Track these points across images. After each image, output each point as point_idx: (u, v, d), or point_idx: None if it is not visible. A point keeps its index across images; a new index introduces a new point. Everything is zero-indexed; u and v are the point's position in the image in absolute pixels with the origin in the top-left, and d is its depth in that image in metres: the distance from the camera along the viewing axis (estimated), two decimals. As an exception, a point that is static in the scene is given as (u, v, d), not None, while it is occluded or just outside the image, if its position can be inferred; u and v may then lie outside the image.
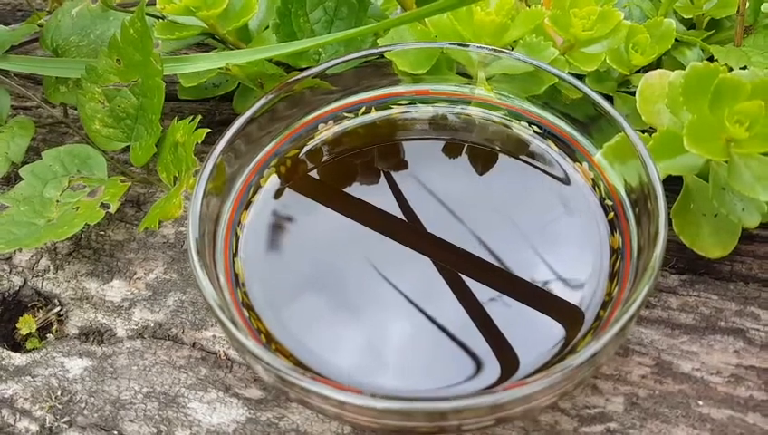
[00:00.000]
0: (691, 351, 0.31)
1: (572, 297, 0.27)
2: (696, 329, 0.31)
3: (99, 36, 0.42)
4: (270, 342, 0.26)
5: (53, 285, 0.37)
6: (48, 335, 0.35)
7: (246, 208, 0.31)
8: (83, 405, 0.32)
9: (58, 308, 0.36)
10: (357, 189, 0.33)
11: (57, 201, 0.37)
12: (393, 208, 0.32)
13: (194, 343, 0.33)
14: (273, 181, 0.32)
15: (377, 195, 0.32)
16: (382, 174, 0.33)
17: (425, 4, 0.42)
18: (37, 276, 0.38)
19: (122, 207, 0.40)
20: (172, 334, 0.34)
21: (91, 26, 0.42)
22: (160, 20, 0.41)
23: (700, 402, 0.29)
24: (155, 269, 0.36)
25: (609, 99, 0.38)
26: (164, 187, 0.36)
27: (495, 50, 0.32)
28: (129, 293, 0.36)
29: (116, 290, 0.36)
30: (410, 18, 0.33)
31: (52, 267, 0.38)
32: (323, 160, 0.34)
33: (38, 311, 0.37)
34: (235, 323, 0.24)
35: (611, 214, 0.30)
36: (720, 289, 0.33)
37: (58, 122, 0.46)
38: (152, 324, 0.34)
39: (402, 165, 0.33)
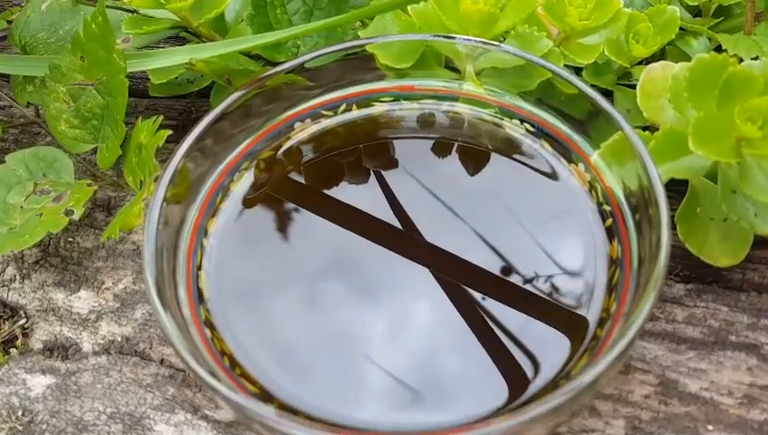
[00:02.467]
0: (699, 368, 0.28)
1: (566, 314, 0.25)
2: (705, 344, 0.29)
3: (68, 32, 0.39)
4: (234, 365, 0.24)
5: (20, 295, 0.35)
6: (12, 350, 0.33)
7: (213, 216, 0.29)
8: (44, 427, 0.30)
9: (24, 320, 0.34)
10: (336, 194, 0.30)
11: (21, 207, 0.34)
12: (374, 215, 0.29)
13: (162, 360, 0.31)
14: (243, 185, 0.30)
15: (358, 201, 0.30)
16: (364, 177, 0.31)
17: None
18: (3, 286, 0.36)
19: (92, 212, 0.37)
20: (139, 350, 0.32)
21: (60, 22, 0.40)
22: (131, 14, 0.39)
23: (710, 427, 0.27)
24: (123, 279, 0.34)
25: (609, 93, 0.35)
26: (133, 190, 0.34)
27: (484, 42, 0.30)
28: (96, 304, 0.34)
29: (83, 301, 0.34)
30: (393, 5, 0.31)
31: (18, 277, 0.36)
32: (300, 163, 0.31)
33: (3, 323, 0.35)
34: (191, 351, 0.21)
35: (609, 220, 0.27)
36: (730, 300, 0.30)
37: (30, 122, 0.44)
38: (119, 339, 0.32)
39: (385, 167, 0.31)
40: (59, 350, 0.33)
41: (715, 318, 0.30)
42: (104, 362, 0.31)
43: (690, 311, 0.30)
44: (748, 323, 0.29)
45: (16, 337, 0.34)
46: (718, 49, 0.37)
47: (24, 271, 0.36)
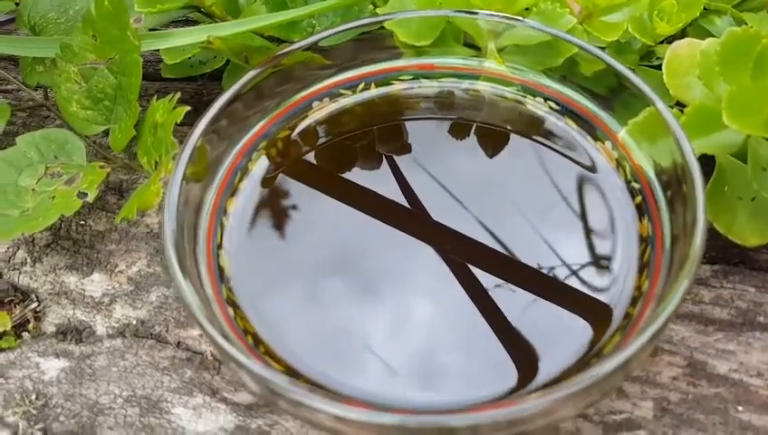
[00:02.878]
0: (727, 349, 0.28)
1: (597, 292, 0.24)
2: (733, 325, 0.28)
3: (78, 12, 0.39)
4: (258, 344, 0.23)
5: (31, 278, 0.34)
6: (24, 333, 0.33)
7: (233, 195, 0.28)
8: (59, 410, 0.29)
9: (35, 304, 0.34)
10: (355, 175, 0.30)
11: (33, 190, 0.34)
12: (395, 195, 0.29)
13: (178, 343, 0.31)
14: (262, 165, 0.29)
15: (378, 181, 0.29)
16: (383, 158, 0.30)
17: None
18: (14, 269, 0.35)
19: (104, 195, 0.37)
20: (155, 333, 0.31)
21: (69, 1, 0.39)
22: (143, -7, 0.38)
23: (740, 408, 0.26)
24: (137, 262, 0.34)
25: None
26: (147, 172, 0.33)
27: (507, 17, 0.29)
28: (109, 287, 0.33)
29: (96, 284, 0.33)
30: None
31: (29, 260, 0.35)
32: (318, 142, 0.31)
33: (15, 307, 0.34)
34: (214, 325, 0.21)
35: (639, 198, 0.26)
36: (757, 280, 0.30)
37: (38, 105, 0.43)
38: (134, 322, 0.32)
39: (405, 148, 0.30)
40: (72, 333, 0.32)
41: (743, 299, 0.29)
42: (119, 344, 0.31)
43: (717, 292, 0.30)
44: (776, 304, 0.29)
45: (28, 321, 0.33)
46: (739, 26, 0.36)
47: (36, 254, 0.35)
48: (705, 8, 0.34)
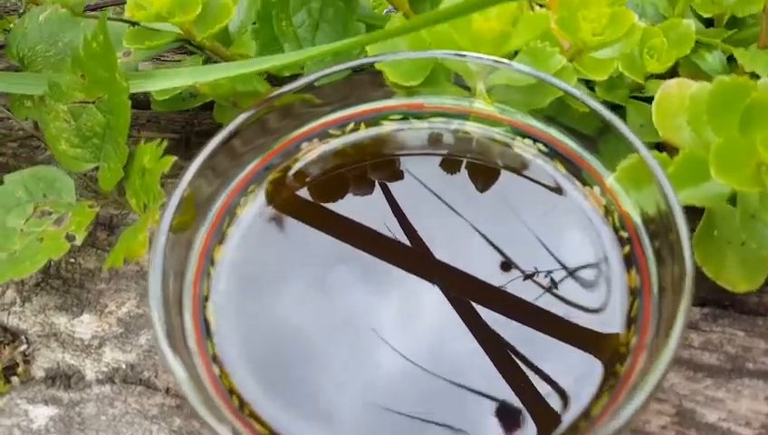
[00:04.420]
0: (716, 397, 0.28)
1: (583, 349, 0.24)
2: (722, 371, 0.28)
3: (67, 45, 0.39)
4: (243, 405, 0.23)
5: (20, 319, 0.34)
6: (13, 378, 0.33)
7: (220, 243, 0.28)
8: (49, 458, 0.29)
9: (25, 346, 0.34)
10: (347, 219, 0.29)
11: (21, 230, 0.34)
12: (389, 241, 0.28)
13: (167, 389, 0.31)
14: (250, 210, 0.29)
15: (370, 224, 0.29)
16: (375, 200, 0.30)
17: (418, 2, 0.39)
18: (3, 310, 0.35)
19: (93, 231, 0.37)
20: (144, 378, 0.31)
21: (59, 33, 0.39)
22: (133, 26, 0.38)
23: (728, 459, 0.26)
24: (127, 302, 0.34)
25: (622, 109, 0.35)
26: (137, 212, 0.33)
27: (495, 60, 0.29)
28: (99, 329, 0.33)
29: (86, 326, 0.33)
30: (404, 30, 0.30)
31: (18, 300, 0.35)
32: (308, 185, 0.30)
33: (4, 348, 0.34)
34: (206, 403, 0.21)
35: (627, 248, 0.26)
36: (747, 324, 0.29)
37: (29, 136, 0.43)
38: (123, 366, 0.32)
39: (397, 189, 0.30)
40: (61, 378, 0.32)
41: (732, 344, 0.29)
42: (108, 391, 0.31)
43: (707, 336, 0.29)
44: (765, 349, 0.29)
45: (17, 364, 0.33)
46: (731, 59, 0.36)
47: (25, 294, 0.35)
48: (696, 41, 0.34)
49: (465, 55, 0.30)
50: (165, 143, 0.30)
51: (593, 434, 0.19)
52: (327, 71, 0.30)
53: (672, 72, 0.36)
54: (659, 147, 0.34)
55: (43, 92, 0.34)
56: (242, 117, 0.29)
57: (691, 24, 0.33)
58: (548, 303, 0.25)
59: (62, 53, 0.39)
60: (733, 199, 0.28)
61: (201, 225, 0.28)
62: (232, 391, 0.24)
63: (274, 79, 0.37)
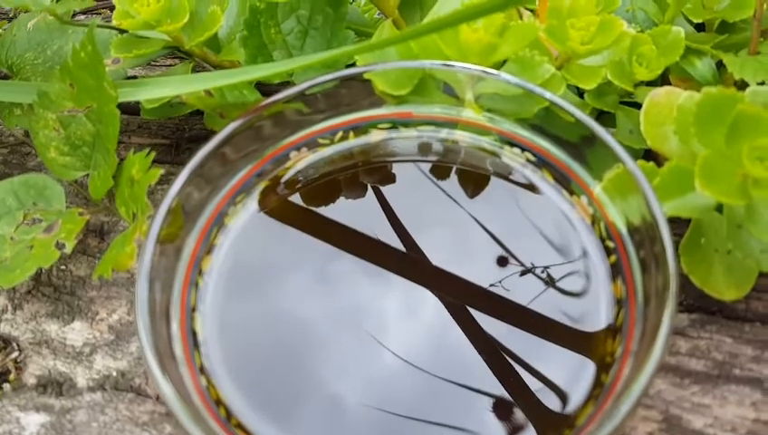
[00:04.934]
0: (703, 404, 0.28)
1: (568, 357, 0.24)
2: (709, 377, 0.29)
3: (56, 52, 0.39)
4: (230, 417, 0.24)
5: (12, 326, 0.34)
6: (5, 385, 0.33)
7: (208, 253, 0.28)
8: (40, 466, 0.30)
9: (16, 353, 0.34)
10: (337, 227, 0.29)
11: (12, 238, 0.34)
12: (378, 250, 0.28)
13: (158, 396, 0.31)
14: (238, 220, 0.29)
15: (359, 233, 0.29)
16: (364, 207, 0.30)
17: (407, 9, 0.39)
18: (-6, 317, 0.35)
19: (84, 238, 0.37)
20: (135, 386, 0.31)
21: (47, 41, 0.39)
22: (121, 34, 0.38)
23: (713, 467, 0.26)
24: (118, 309, 0.34)
25: (611, 115, 0.35)
26: (127, 221, 0.33)
27: (483, 71, 0.29)
28: (90, 336, 0.33)
29: (77, 333, 0.33)
30: (392, 41, 0.30)
31: (10, 307, 0.35)
32: (296, 193, 0.31)
33: (-4, 354, 0.34)
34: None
35: (613, 257, 0.26)
36: (734, 330, 0.30)
37: (19, 143, 0.43)
38: (114, 374, 0.32)
39: (386, 196, 0.30)
40: (53, 386, 0.32)
41: (719, 350, 0.29)
42: (99, 398, 0.31)
43: (694, 342, 0.30)
44: (752, 356, 0.29)
45: (9, 371, 0.33)
46: (721, 64, 0.36)
47: (16, 301, 0.35)
48: (686, 47, 0.34)
49: (452, 65, 0.30)
50: (153, 154, 0.30)
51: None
52: (317, 80, 0.30)
53: (662, 77, 0.36)
54: (648, 154, 0.34)
55: (32, 101, 0.34)
56: (232, 126, 0.29)
57: (681, 31, 0.33)
58: (532, 311, 0.26)
59: (51, 61, 0.39)
60: (720, 207, 0.28)
61: (189, 234, 0.28)
62: (219, 403, 0.24)
63: (263, 85, 0.37)
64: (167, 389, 0.21)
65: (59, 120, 0.34)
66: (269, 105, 0.30)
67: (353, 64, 0.34)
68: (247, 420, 0.23)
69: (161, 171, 0.29)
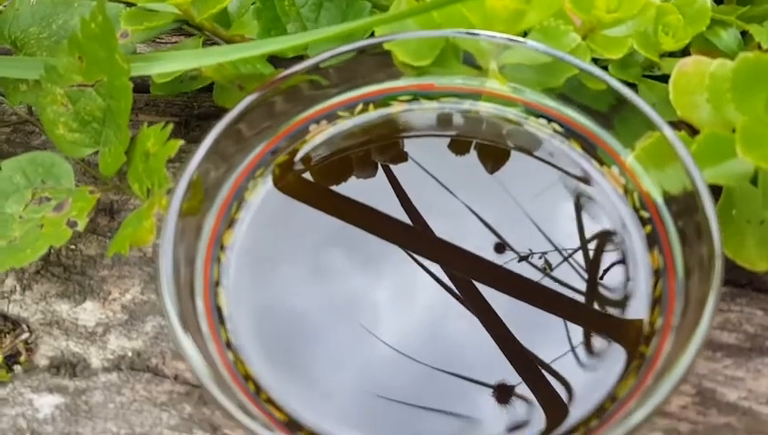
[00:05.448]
0: (736, 376, 0.27)
1: (607, 331, 0.24)
2: (741, 350, 0.28)
3: (61, 27, 0.37)
4: (259, 391, 0.23)
5: (21, 307, 0.33)
6: (16, 366, 0.32)
7: (230, 227, 0.27)
8: (55, 449, 0.29)
9: (27, 334, 0.33)
10: (357, 202, 0.29)
11: (20, 217, 0.33)
12: (402, 220, 0.28)
13: (176, 376, 0.30)
14: (258, 194, 0.28)
15: (382, 205, 0.28)
16: (386, 181, 0.29)
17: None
18: (3, 298, 0.34)
19: (94, 217, 0.36)
20: (152, 365, 0.30)
21: (52, 15, 0.38)
22: (130, 7, 0.37)
23: (750, 440, 0.26)
24: (131, 289, 0.33)
25: (634, 87, 0.34)
26: (141, 197, 0.32)
27: (509, 39, 0.28)
28: (103, 316, 0.32)
29: (89, 313, 0.32)
30: (413, 12, 0.29)
31: (18, 288, 0.34)
32: (317, 167, 0.30)
33: (5, 337, 0.33)
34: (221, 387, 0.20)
35: (648, 227, 0.26)
36: (765, 303, 0.29)
37: (23, 121, 0.42)
38: (129, 354, 0.31)
39: (406, 167, 0.29)
40: (66, 366, 0.31)
41: (751, 323, 0.29)
42: (115, 379, 0.30)
43: (725, 315, 0.29)
44: (785, 329, 0.28)
45: (20, 353, 0.32)
46: (743, 33, 0.35)
47: (25, 282, 0.34)
48: (710, 18, 0.33)
49: (477, 34, 0.29)
50: (170, 126, 0.29)
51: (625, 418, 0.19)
52: (334, 51, 0.29)
53: (684, 51, 0.35)
54: (674, 125, 0.33)
55: (39, 76, 0.33)
56: (248, 100, 0.28)
57: (707, 0, 0.32)
58: (569, 284, 0.25)
59: (57, 36, 0.37)
60: (753, 179, 0.28)
61: (209, 210, 0.27)
62: (247, 378, 0.23)
63: (277, 59, 0.36)
64: (196, 360, 0.20)
65: (67, 94, 0.33)
66: (287, 77, 0.29)
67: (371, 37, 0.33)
68: (277, 395, 0.23)
69: (181, 142, 0.28)
